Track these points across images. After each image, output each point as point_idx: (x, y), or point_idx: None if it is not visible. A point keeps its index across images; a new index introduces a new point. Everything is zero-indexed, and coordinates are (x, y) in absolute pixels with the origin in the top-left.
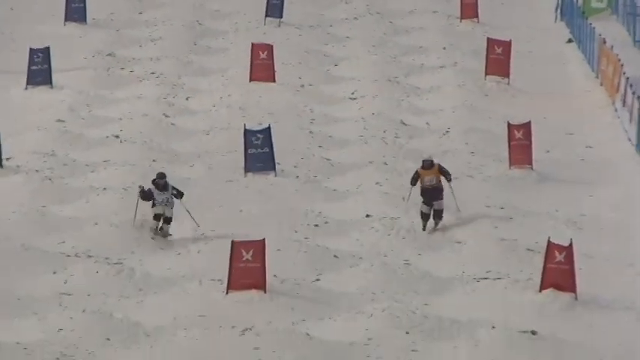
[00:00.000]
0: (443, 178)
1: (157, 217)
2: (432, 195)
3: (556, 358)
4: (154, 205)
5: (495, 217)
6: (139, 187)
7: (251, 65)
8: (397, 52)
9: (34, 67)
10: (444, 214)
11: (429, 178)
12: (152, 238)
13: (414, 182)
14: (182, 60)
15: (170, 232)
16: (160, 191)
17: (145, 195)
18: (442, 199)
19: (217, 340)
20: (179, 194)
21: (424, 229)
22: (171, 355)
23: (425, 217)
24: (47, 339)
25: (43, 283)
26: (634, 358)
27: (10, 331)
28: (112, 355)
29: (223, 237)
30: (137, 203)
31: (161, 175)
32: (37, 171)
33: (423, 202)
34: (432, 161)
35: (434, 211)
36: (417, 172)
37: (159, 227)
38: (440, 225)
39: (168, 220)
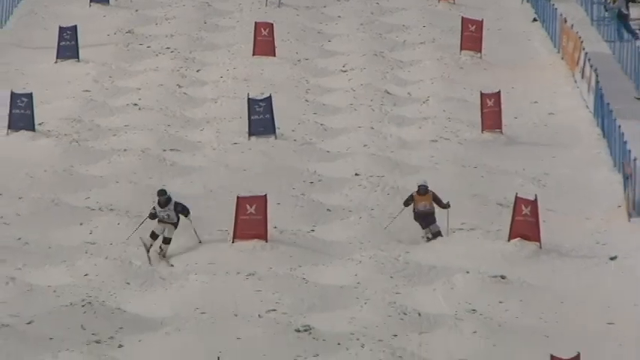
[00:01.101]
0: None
1: (153, 234)
2: (425, 219)
3: (522, 300)
4: (159, 220)
5: (469, 176)
6: (149, 215)
7: (254, 41)
8: (382, 30)
9: (63, 43)
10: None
11: (422, 204)
12: (147, 251)
13: (407, 204)
14: (193, 36)
15: (172, 263)
16: (162, 207)
17: (152, 216)
18: (435, 221)
19: (224, 284)
20: (184, 211)
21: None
22: (183, 296)
23: (427, 239)
24: (74, 283)
25: (71, 233)
26: (591, 300)
27: (42, 276)
28: (131, 296)
29: (229, 193)
30: (142, 222)
31: (161, 192)
32: (65, 135)
33: (420, 226)
34: (427, 187)
35: (432, 234)
36: (411, 195)
37: (159, 247)
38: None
39: (167, 241)
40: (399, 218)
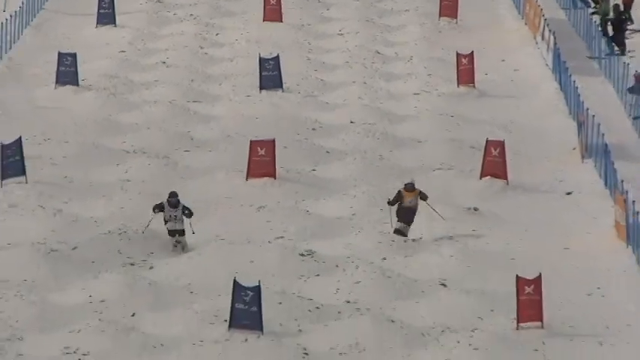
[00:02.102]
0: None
1: (171, 233)
2: (408, 214)
3: (492, 228)
4: (166, 222)
5: (447, 123)
6: (153, 208)
7: (264, 9)
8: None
9: (102, 11)
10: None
11: (409, 199)
12: (174, 248)
13: (393, 202)
14: (213, 5)
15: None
16: (171, 208)
17: (158, 207)
18: (412, 222)
19: (240, 215)
20: (189, 213)
21: (401, 235)
22: (205, 225)
23: (399, 232)
24: (112, 214)
25: (109, 172)
26: (550, 228)
27: (85, 208)
28: (161, 226)
29: (243, 137)
30: (151, 216)
31: (173, 194)
32: (104, 89)
33: (399, 220)
34: (413, 184)
35: (403, 231)
36: (399, 192)
37: (176, 242)
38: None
39: (182, 233)
40: (388, 161)
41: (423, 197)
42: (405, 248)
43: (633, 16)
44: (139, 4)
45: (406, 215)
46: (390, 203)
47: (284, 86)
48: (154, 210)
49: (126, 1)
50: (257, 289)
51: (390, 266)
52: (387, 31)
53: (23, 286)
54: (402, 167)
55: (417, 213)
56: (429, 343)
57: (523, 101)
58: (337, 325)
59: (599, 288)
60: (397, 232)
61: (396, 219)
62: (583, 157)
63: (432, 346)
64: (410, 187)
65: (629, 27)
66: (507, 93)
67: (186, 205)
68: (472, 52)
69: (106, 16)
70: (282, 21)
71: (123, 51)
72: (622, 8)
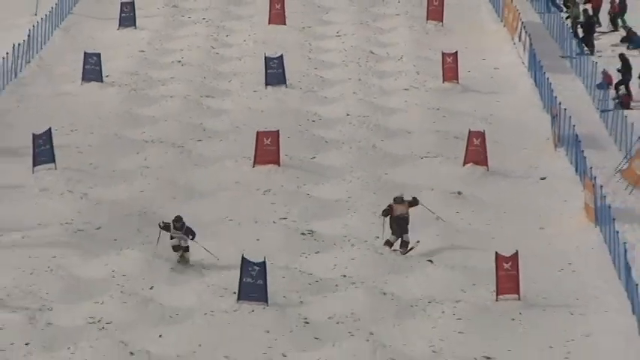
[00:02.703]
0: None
1: (175, 248)
2: (400, 225)
3: (475, 211)
4: (171, 237)
5: (433, 116)
6: (160, 223)
7: (269, 13)
8: (367, 4)
9: (123, 15)
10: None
11: (399, 211)
12: (178, 263)
13: (386, 214)
14: (223, 10)
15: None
16: (177, 230)
17: (164, 227)
18: (408, 232)
19: (247, 198)
20: (193, 235)
21: (389, 247)
22: (216, 207)
23: (389, 244)
24: (133, 198)
25: (130, 160)
26: (526, 210)
27: (108, 192)
28: (176, 207)
29: (250, 128)
30: (160, 233)
31: (178, 219)
32: (125, 85)
33: (392, 233)
34: (402, 197)
35: (401, 241)
36: (390, 205)
37: (180, 256)
38: (408, 252)
39: (186, 249)
40: (380, 149)
41: (414, 204)
42: None
43: (601, 20)
44: (157, 9)
45: (398, 226)
46: (383, 214)
47: (287, 83)
48: (160, 226)
49: (145, 6)
50: (263, 265)
51: (382, 244)
52: (379, 33)
53: (52, 262)
54: (393, 155)
55: (409, 222)
56: (417, 313)
57: (502, 96)
58: (335, 297)
59: (570, 264)
60: (387, 242)
61: (390, 231)
62: (556, 146)
63: (420, 316)
64: (399, 200)
65: (597, 29)
66: (488, 89)
67: (190, 227)
68: (456, 51)
69: (128, 19)
70: (285, 24)
71: (142, 51)
72: (591, 12)
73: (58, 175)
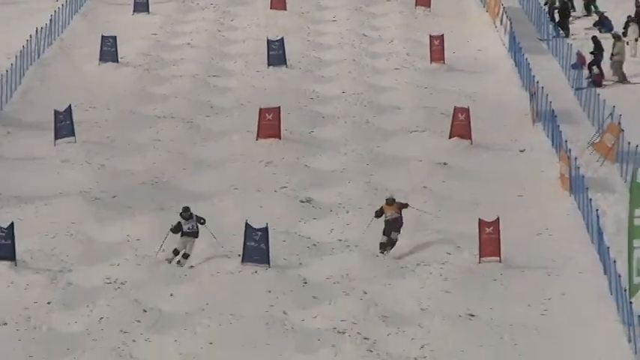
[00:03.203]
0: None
1: (175, 251)
2: (391, 226)
3: (459, 179)
4: (182, 235)
5: (421, 93)
6: (170, 226)
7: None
8: None
9: (137, 1)
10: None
11: (390, 212)
12: (170, 261)
13: (378, 215)
14: None
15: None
16: (186, 220)
17: (176, 228)
18: (399, 231)
19: (251, 169)
20: (203, 221)
21: (383, 254)
22: (222, 177)
23: (382, 246)
24: (146, 169)
25: (143, 134)
26: (507, 179)
27: (123, 163)
28: (186, 178)
29: (254, 105)
30: (165, 238)
31: (185, 209)
32: (139, 65)
33: (384, 234)
34: (393, 199)
35: (388, 239)
36: (381, 207)
37: (177, 261)
38: (391, 250)
39: (186, 256)
40: (373, 124)
41: (403, 207)
42: (386, 196)
43: (575, 5)
44: None
45: (389, 227)
46: (376, 215)
47: (287, 63)
48: (172, 231)
49: None
50: (265, 230)
51: (375, 210)
52: (372, 17)
53: (72, 227)
54: (384, 129)
55: (402, 224)
56: (407, 274)
57: (484, 75)
58: (331, 259)
59: (546, 229)
60: (381, 245)
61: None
62: (534, 121)
63: (409, 276)
64: (389, 202)
65: (572, 14)
66: (472, 69)
67: (198, 215)
68: (442, 34)
69: (141, 5)
70: (286, 9)
71: (155, 34)
72: None
73: (77, 148)
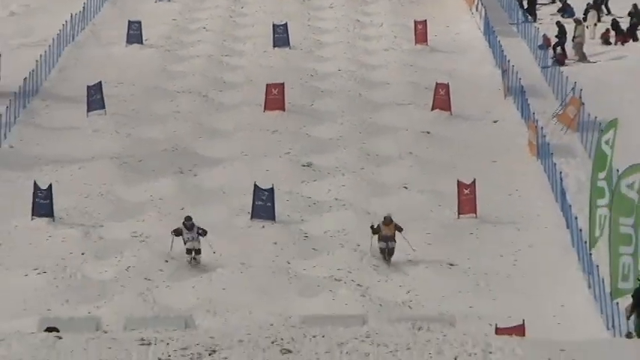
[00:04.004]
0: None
1: (188, 251)
2: (387, 239)
3: (441, 146)
4: (185, 242)
5: (407, 71)
6: (172, 231)
7: None
8: None
9: None
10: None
11: (386, 230)
12: (189, 263)
13: (375, 232)
14: None
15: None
16: (188, 230)
17: (177, 232)
18: (395, 242)
19: (259, 137)
20: (203, 232)
21: (387, 260)
22: (234, 144)
23: (383, 251)
24: (167, 137)
25: (164, 106)
26: (482, 146)
27: (147, 132)
28: (202, 145)
29: (261, 81)
30: (172, 239)
31: (188, 218)
32: (161, 46)
33: (380, 241)
34: (391, 218)
35: (388, 249)
36: (379, 225)
37: (192, 258)
38: (392, 261)
39: (198, 252)
40: (365, 98)
41: (399, 229)
42: (377, 161)
43: None
44: None
45: (385, 240)
46: (373, 232)
47: (291, 45)
48: (172, 234)
49: None
50: (271, 190)
51: (366, 174)
52: (364, 4)
53: (103, 188)
54: (375, 102)
55: (395, 243)
56: None
57: (462, 55)
58: (329, 215)
59: (517, 190)
60: (381, 250)
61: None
62: (505, 95)
63: None
64: (387, 221)
65: (538, 2)
66: (451, 49)
67: (199, 226)
68: (425, 20)
69: None
70: None
71: (174, 19)
72: None
73: (107, 119)
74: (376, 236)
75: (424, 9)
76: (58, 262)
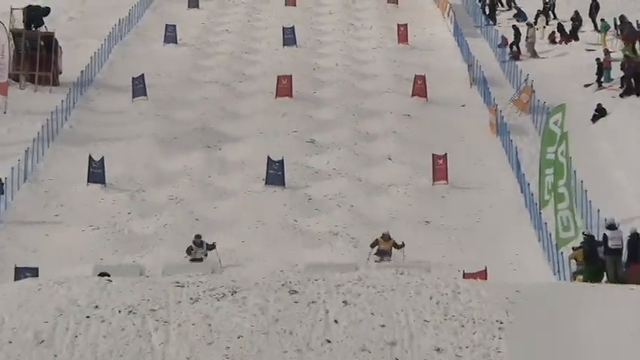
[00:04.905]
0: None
1: (192, 260)
2: (383, 253)
3: (419, 126)
4: (192, 259)
5: (392, 65)
6: (185, 251)
7: (285, 0)
8: None
9: (191, 0)
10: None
11: (384, 246)
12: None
13: (372, 246)
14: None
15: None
16: (197, 247)
17: (188, 251)
18: (390, 258)
19: (271, 119)
20: (212, 246)
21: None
22: (251, 124)
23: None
24: (196, 118)
25: (195, 94)
26: (452, 125)
27: (181, 114)
28: (225, 125)
29: (274, 74)
30: (185, 257)
31: (198, 236)
32: (192, 45)
33: (376, 254)
34: (389, 235)
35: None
36: (377, 239)
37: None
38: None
39: (200, 260)
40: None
41: (396, 246)
42: (366, 138)
43: (501, 1)
44: None
45: (381, 253)
46: (371, 246)
47: (297, 44)
48: (185, 254)
49: None
50: (281, 162)
51: (358, 148)
52: (357, 11)
53: (145, 160)
54: (366, 91)
55: (391, 259)
56: (382, 193)
57: (436, 52)
58: (328, 182)
59: (480, 160)
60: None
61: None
62: (471, 84)
63: (384, 194)
64: (386, 237)
65: (498, 8)
66: (427, 47)
67: (207, 242)
68: (406, 23)
69: (194, 2)
70: (296, 5)
71: (203, 23)
72: None
73: (148, 104)
74: (375, 248)
75: (405, 14)
76: (108, 220)
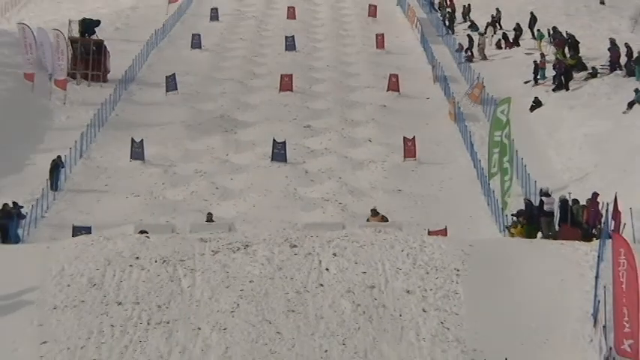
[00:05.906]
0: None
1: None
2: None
3: (393, 114)
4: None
5: (371, 65)
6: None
7: (287, 13)
8: (337, 9)
9: (212, 14)
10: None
11: (374, 220)
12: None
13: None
14: (264, 12)
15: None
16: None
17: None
18: None
19: (276, 108)
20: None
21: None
22: (260, 113)
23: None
24: (217, 108)
25: (215, 89)
26: (419, 114)
27: (205, 105)
28: (240, 114)
29: (278, 72)
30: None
31: (210, 214)
32: (213, 50)
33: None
34: (376, 210)
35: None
36: (368, 219)
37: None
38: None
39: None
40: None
41: (383, 219)
42: (352, 124)
43: (458, 16)
44: (229, 12)
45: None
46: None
47: (297, 49)
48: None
49: (222, 10)
50: (284, 143)
51: (345, 132)
52: (343, 23)
53: (176, 141)
54: (351, 86)
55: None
56: (364, 167)
57: (406, 56)
58: (321, 158)
59: (441, 141)
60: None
61: None
62: (434, 81)
63: (365, 169)
64: (374, 213)
65: (455, 21)
66: (399, 52)
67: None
68: (383, 33)
69: (214, 16)
70: (295, 19)
71: (222, 33)
72: (451, 10)
73: (179, 97)
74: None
75: (382, 26)
76: (147, 189)
